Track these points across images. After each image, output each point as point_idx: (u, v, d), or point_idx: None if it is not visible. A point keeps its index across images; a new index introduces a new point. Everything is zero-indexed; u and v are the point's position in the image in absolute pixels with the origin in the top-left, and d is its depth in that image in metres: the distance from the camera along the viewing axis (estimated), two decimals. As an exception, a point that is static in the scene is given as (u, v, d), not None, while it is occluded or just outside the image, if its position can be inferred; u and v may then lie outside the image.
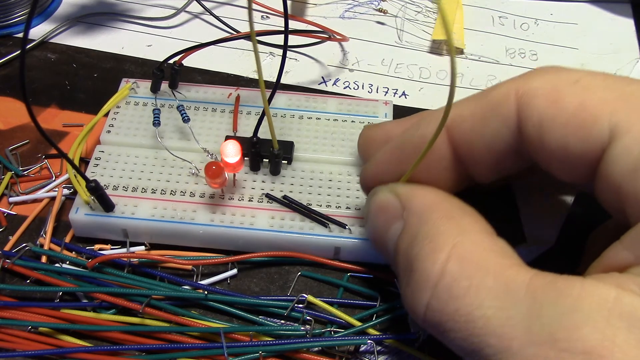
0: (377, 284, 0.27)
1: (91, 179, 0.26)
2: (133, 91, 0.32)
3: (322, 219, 0.27)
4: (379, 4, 0.41)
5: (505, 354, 0.17)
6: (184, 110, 0.30)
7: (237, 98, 0.32)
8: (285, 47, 0.26)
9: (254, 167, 0.29)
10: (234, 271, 0.27)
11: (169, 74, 0.31)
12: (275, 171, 0.29)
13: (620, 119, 0.18)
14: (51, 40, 0.37)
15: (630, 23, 0.40)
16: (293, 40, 0.36)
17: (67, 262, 0.27)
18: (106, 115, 0.31)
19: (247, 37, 0.35)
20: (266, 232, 0.27)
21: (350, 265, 0.27)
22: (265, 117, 0.26)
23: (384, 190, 0.23)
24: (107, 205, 0.27)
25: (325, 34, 0.35)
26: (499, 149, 0.21)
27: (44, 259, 0.27)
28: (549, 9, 0.41)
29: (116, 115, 0.31)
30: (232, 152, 0.26)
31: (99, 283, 0.26)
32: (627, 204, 0.18)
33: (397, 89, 0.36)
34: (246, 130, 0.30)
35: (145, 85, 0.32)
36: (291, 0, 0.41)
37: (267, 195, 0.28)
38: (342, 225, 0.27)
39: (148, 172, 0.29)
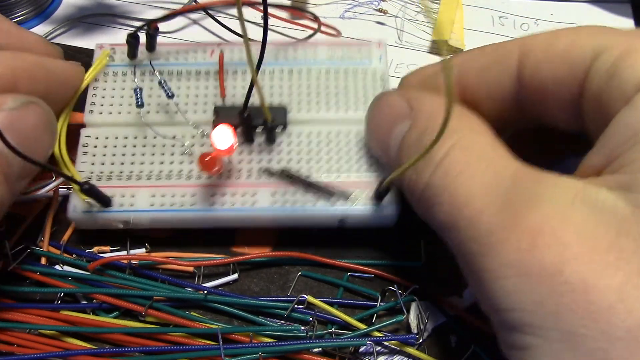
0: (377, 284, 0.27)
1: (83, 179, 0.26)
2: (111, 59, 0.30)
3: (324, 191, 0.26)
4: (379, 4, 0.41)
5: (473, 226, 0.18)
6: (166, 85, 0.28)
7: (221, 57, 0.30)
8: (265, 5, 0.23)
9: (248, 139, 0.28)
10: (235, 276, 0.27)
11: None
12: (270, 140, 0.28)
13: (601, 43, 0.20)
14: (51, 41, 0.37)
15: (630, 23, 0.40)
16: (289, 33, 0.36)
17: (67, 264, 0.27)
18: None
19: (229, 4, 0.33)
20: (269, 212, 0.26)
21: (350, 265, 0.27)
22: (254, 89, 0.25)
23: (392, 93, 0.25)
24: (105, 202, 0.26)
25: (313, 20, 0.32)
26: (500, 96, 0.23)
27: (43, 260, 0.27)
28: (549, 9, 0.41)
29: (96, 91, 0.29)
30: (223, 139, 0.25)
31: (99, 285, 0.26)
32: (602, 110, 0.19)
33: (389, 85, 0.36)
34: (235, 95, 0.29)
35: (122, 51, 0.30)
36: (291, 0, 0.41)
37: (266, 171, 0.27)
38: (345, 196, 0.26)
39: (140, 155, 0.28)
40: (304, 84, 0.29)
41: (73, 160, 0.28)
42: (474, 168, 0.19)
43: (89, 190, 0.26)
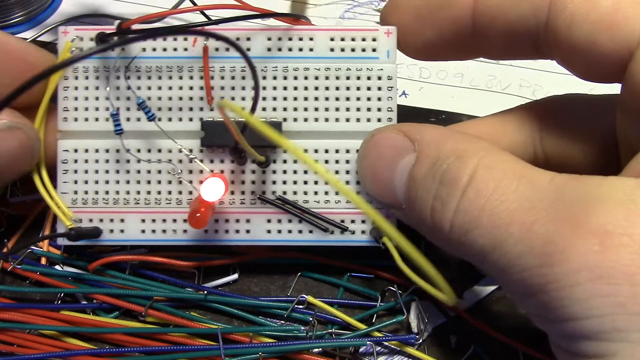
0: (377, 284, 0.27)
1: (67, 205, 0.25)
2: (78, 50, 0.25)
3: (320, 223, 0.26)
4: (378, 4, 0.41)
5: (525, 241, 0.17)
6: (146, 107, 0.25)
7: (205, 50, 0.25)
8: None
9: (240, 162, 0.26)
10: (235, 276, 0.27)
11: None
12: (264, 165, 0.26)
13: None
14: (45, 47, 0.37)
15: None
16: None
17: (67, 264, 0.27)
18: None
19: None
20: (263, 241, 0.26)
21: (350, 265, 0.27)
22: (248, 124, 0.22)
23: (386, 130, 0.23)
24: (94, 235, 0.25)
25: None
26: (519, 33, 0.21)
27: (43, 260, 0.27)
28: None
29: (67, 92, 0.25)
30: (215, 192, 0.24)
31: (99, 285, 0.26)
32: None
33: (397, 89, 0.36)
34: (225, 97, 0.25)
35: (89, 35, 0.25)
36: (291, 0, 0.41)
37: (260, 198, 0.26)
38: (343, 228, 0.25)
39: (124, 173, 0.25)
40: (300, 84, 0.25)
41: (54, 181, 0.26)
42: (507, 184, 0.18)
43: (76, 236, 0.25)
